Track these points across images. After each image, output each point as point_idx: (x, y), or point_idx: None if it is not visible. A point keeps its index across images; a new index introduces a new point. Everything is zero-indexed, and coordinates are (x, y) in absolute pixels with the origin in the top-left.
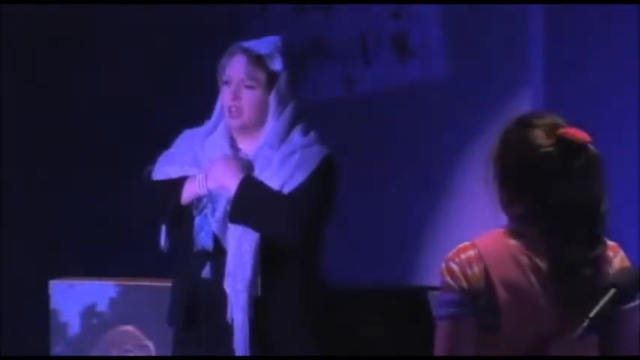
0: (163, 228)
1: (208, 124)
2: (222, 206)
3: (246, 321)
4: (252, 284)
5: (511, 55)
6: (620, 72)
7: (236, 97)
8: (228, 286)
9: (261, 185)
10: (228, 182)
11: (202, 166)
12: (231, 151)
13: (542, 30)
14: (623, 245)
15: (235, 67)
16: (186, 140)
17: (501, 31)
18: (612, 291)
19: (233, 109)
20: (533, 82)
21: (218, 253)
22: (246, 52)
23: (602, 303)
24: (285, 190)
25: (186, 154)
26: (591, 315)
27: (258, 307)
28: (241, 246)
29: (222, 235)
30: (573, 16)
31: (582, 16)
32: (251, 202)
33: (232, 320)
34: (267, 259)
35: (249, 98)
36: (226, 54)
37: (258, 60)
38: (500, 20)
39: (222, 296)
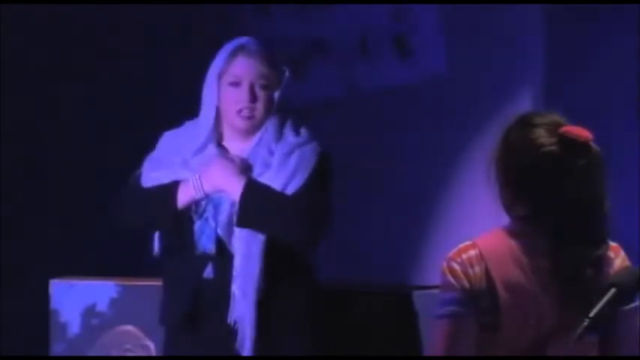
0: (157, 233)
1: (206, 131)
2: (225, 210)
3: (253, 322)
4: (260, 285)
5: (511, 54)
6: (620, 72)
7: (254, 98)
8: (237, 287)
9: (265, 188)
10: (227, 185)
11: (194, 168)
12: (222, 152)
13: (542, 30)
14: (623, 245)
15: (246, 68)
16: (172, 143)
17: (501, 30)
18: (612, 291)
19: (247, 111)
20: (533, 81)
21: (221, 256)
22: (257, 52)
23: (602, 303)
24: (289, 191)
25: (174, 158)
26: (591, 315)
27: (261, 307)
28: (250, 248)
29: (228, 239)
30: (573, 16)
31: (582, 16)
32: (259, 207)
33: (235, 322)
34: (271, 260)
35: (265, 99)
36: (228, 55)
37: (270, 59)
38: (500, 20)
39: (225, 298)
